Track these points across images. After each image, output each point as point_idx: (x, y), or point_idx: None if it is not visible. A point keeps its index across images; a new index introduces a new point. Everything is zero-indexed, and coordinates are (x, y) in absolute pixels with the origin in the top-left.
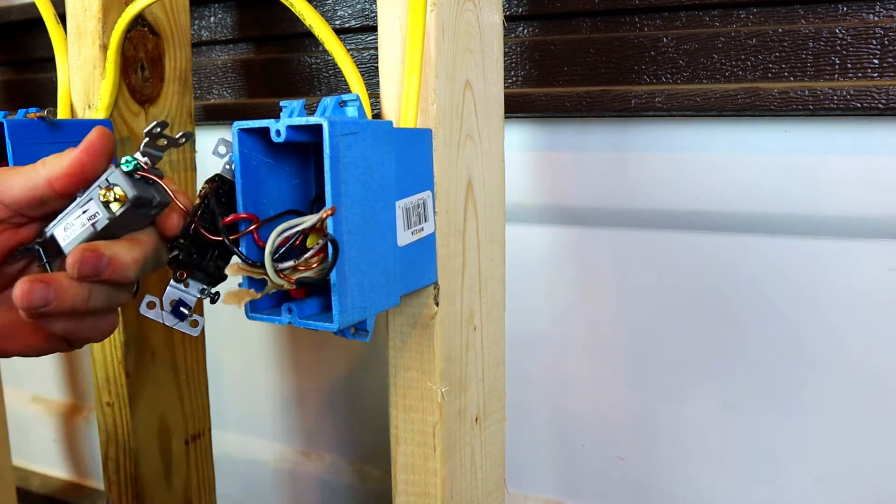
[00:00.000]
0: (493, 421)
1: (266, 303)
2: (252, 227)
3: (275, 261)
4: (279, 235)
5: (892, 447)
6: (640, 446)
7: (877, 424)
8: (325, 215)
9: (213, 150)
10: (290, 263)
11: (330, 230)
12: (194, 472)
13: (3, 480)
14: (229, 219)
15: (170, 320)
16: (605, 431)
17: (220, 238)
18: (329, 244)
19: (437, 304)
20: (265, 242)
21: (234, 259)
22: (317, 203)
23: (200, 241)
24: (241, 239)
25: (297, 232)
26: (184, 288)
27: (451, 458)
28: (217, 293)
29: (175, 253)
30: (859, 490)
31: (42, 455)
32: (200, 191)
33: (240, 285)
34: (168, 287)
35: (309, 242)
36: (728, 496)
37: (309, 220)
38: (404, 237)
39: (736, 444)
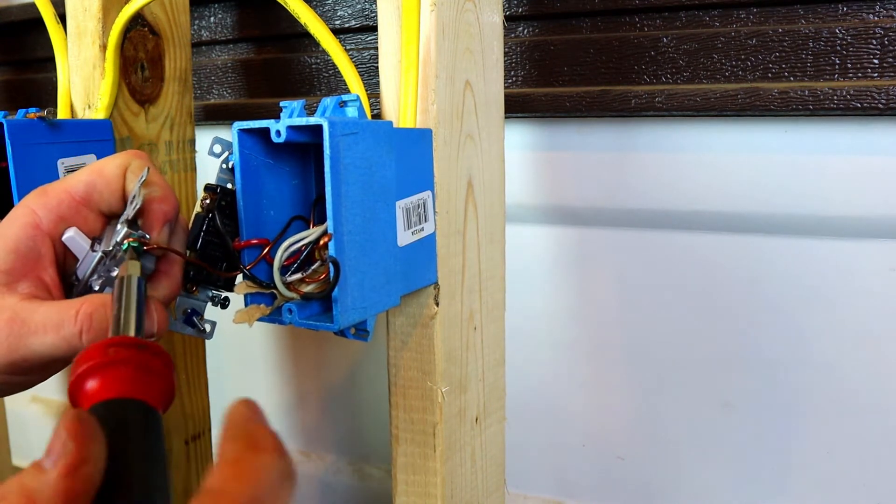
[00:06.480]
0: (493, 421)
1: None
2: (265, 251)
3: (282, 273)
4: (286, 251)
5: (893, 448)
6: (640, 446)
7: (877, 425)
8: (326, 239)
9: (208, 151)
10: (298, 276)
11: (331, 252)
12: (194, 472)
13: (3, 480)
14: (241, 244)
15: (183, 328)
16: (605, 431)
17: (230, 273)
18: (331, 265)
19: (437, 304)
20: (272, 257)
21: (239, 277)
22: (318, 204)
23: (210, 255)
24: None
25: (302, 246)
26: (194, 297)
27: (451, 458)
28: (227, 298)
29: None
30: (860, 491)
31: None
32: (201, 201)
33: (246, 297)
34: (178, 297)
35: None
36: (728, 496)
37: (313, 234)
38: (404, 237)
39: (736, 444)
